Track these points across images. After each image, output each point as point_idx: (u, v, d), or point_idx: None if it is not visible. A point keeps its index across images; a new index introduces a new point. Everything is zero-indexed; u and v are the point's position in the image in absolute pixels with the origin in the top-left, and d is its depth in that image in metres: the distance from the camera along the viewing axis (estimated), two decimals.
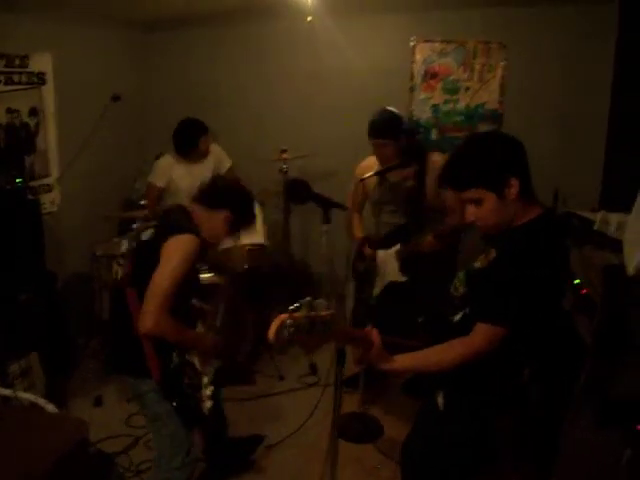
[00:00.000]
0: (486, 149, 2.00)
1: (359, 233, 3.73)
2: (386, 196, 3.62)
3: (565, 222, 2.52)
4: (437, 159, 3.36)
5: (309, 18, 4.05)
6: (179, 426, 2.45)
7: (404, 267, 3.43)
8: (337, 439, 2.23)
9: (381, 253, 3.53)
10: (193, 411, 2.45)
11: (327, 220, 2.54)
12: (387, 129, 3.46)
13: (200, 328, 2.60)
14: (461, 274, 2.21)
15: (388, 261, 3.48)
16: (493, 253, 2.05)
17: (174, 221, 2.44)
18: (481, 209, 1.99)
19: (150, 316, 2.20)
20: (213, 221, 2.53)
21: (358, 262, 3.62)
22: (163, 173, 4.31)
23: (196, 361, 2.48)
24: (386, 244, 3.52)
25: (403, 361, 2.02)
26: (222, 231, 2.59)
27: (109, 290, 3.79)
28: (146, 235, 2.40)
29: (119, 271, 2.46)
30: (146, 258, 2.31)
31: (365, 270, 3.49)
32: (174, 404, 2.37)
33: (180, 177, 4.29)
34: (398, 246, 3.48)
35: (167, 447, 2.50)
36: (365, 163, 3.68)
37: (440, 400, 2.16)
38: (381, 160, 3.51)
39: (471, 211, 2.01)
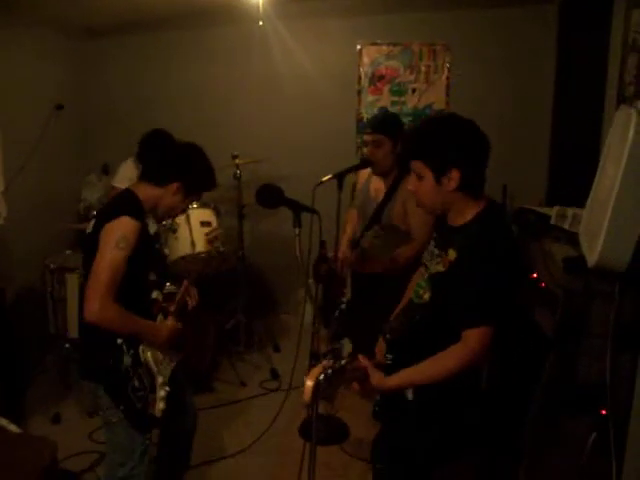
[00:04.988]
0: (443, 131, 2.02)
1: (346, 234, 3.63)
2: (361, 206, 3.53)
3: (504, 211, 2.53)
4: None
5: (260, 22, 4.04)
6: (128, 433, 2.33)
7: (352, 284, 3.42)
8: (316, 446, 2.22)
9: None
10: (141, 415, 2.32)
11: (299, 224, 2.53)
12: (386, 124, 3.32)
13: (160, 320, 2.45)
14: (422, 281, 2.23)
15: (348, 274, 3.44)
16: (453, 254, 2.08)
17: (109, 207, 2.36)
18: (420, 185, 2.04)
19: (93, 301, 2.12)
20: (166, 197, 2.42)
21: (320, 265, 3.62)
22: (129, 178, 4.20)
23: (150, 360, 2.36)
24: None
25: (400, 378, 2.03)
26: (179, 203, 2.48)
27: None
28: (89, 228, 2.30)
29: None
30: (90, 251, 2.22)
31: (327, 272, 3.48)
32: (121, 408, 2.27)
33: None
34: None
35: (115, 454, 2.38)
36: (363, 170, 3.54)
37: (409, 393, 2.18)
38: (374, 162, 3.34)
39: (413, 182, 2.07)
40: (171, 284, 2.60)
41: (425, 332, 2.15)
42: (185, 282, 2.61)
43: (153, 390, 2.35)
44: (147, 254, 2.38)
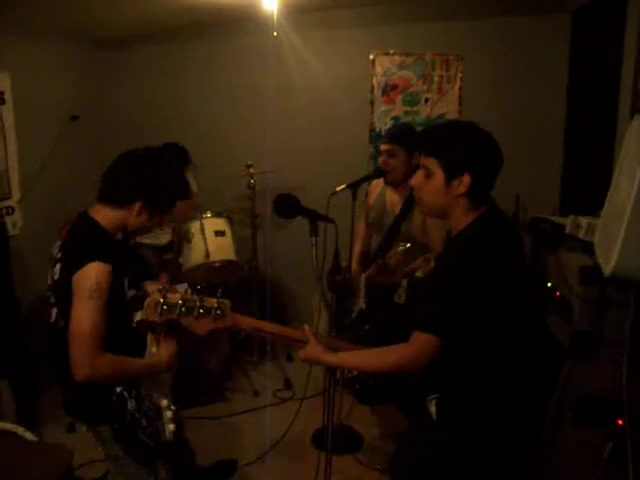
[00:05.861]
0: (464, 135, 2.03)
1: (357, 248, 3.61)
2: (377, 219, 3.52)
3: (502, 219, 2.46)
4: None
5: (275, 33, 4.08)
6: (137, 465, 2.25)
7: (367, 296, 3.33)
8: (331, 454, 2.24)
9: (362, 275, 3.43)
10: (152, 450, 2.25)
11: (315, 233, 2.53)
12: (401, 135, 3.32)
13: (151, 340, 2.28)
14: (405, 282, 2.26)
15: (362, 285, 3.38)
16: (433, 263, 2.09)
17: (75, 250, 2.11)
18: (427, 182, 2.04)
19: (82, 363, 1.96)
20: (130, 219, 2.21)
21: (334, 274, 3.63)
22: None
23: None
24: (363, 268, 3.45)
25: (341, 358, 2.07)
26: (146, 223, 2.26)
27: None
28: (56, 273, 2.10)
29: (52, 313, 2.18)
30: (64, 301, 2.06)
31: (342, 282, 3.49)
32: (129, 452, 2.20)
33: None
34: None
35: None
36: (375, 182, 3.53)
37: (433, 409, 2.18)
38: (387, 171, 3.32)
39: (418, 177, 2.07)
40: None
41: (396, 330, 2.16)
42: (163, 276, 2.55)
43: (160, 416, 2.26)
44: (122, 282, 2.17)
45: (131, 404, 2.17)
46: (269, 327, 2.13)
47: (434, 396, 2.13)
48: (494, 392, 2.07)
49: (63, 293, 2.05)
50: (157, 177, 2.22)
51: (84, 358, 1.96)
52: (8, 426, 2.63)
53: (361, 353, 2.07)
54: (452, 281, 1.91)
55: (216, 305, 1.96)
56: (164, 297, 1.88)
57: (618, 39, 3.46)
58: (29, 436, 2.52)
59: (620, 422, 2.23)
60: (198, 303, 1.93)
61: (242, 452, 3.51)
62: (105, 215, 2.18)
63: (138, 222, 2.22)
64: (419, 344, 1.91)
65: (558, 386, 2.52)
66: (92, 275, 2.00)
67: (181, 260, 3.97)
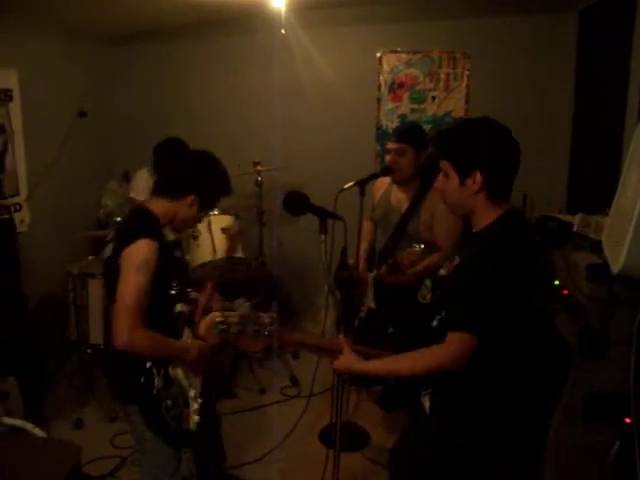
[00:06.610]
0: (472, 134, 2.05)
1: (363, 246, 3.58)
2: (382, 216, 3.53)
3: (523, 218, 2.48)
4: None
5: (282, 31, 4.08)
6: (161, 450, 2.38)
7: (376, 295, 3.36)
8: (339, 452, 2.24)
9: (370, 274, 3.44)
10: (175, 433, 2.36)
11: (325, 230, 2.54)
12: (410, 134, 3.32)
13: (187, 334, 2.42)
14: (428, 281, 2.26)
15: (370, 284, 3.39)
16: (457, 260, 2.10)
17: (126, 230, 2.33)
18: (446, 184, 2.07)
19: (122, 331, 2.11)
20: (182, 210, 2.42)
21: (341, 271, 3.61)
22: (145, 188, 4.23)
23: (181, 376, 2.36)
24: (369, 267, 3.45)
25: (376, 365, 2.09)
26: (195, 215, 2.48)
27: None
28: (108, 251, 2.30)
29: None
30: (111, 275, 2.23)
31: (349, 279, 3.47)
32: (154, 428, 2.32)
33: None
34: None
35: (148, 469, 2.43)
36: (380, 180, 3.53)
37: (426, 403, 2.18)
38: (395, 170, 3.33)
39: (440, 180, 2.11)
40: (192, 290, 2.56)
41: (423, 330, 2.17)
42: (209, 285, 2.60)
43: (187, 405, 2.37)
44: (166, 268, 2.34)
45: (158, 382, 2.29)
46: (310, 340, 2.20)
47: (428, 391, 2.14)
48: (495, 388, 2.07)
49: (112, 269, 2.22)
50: (210, 174, 2.45)
51: (124, 327, 2.11)
52: (18, 422, 2.63)
53: (396, 358, 2.06)
54: (482, 278, 1.92)
55: (268, 321, 2.00)
56: (223, 316, 1.97)
57: (626, 39, 3.44)
58: (38, 432, 2.51)
59: (628, 420, 2.23)
60: (253, 320, 2.00)
61: (249, 449, 3.51)
62: (159, 205, 2.39)
63: (188, 213, 2.43)
64: (455, 344, 1.93)
65: (566, 385, 2.51)
66: (142, 251, 2.18)
67: (188, 258, 3.97)
